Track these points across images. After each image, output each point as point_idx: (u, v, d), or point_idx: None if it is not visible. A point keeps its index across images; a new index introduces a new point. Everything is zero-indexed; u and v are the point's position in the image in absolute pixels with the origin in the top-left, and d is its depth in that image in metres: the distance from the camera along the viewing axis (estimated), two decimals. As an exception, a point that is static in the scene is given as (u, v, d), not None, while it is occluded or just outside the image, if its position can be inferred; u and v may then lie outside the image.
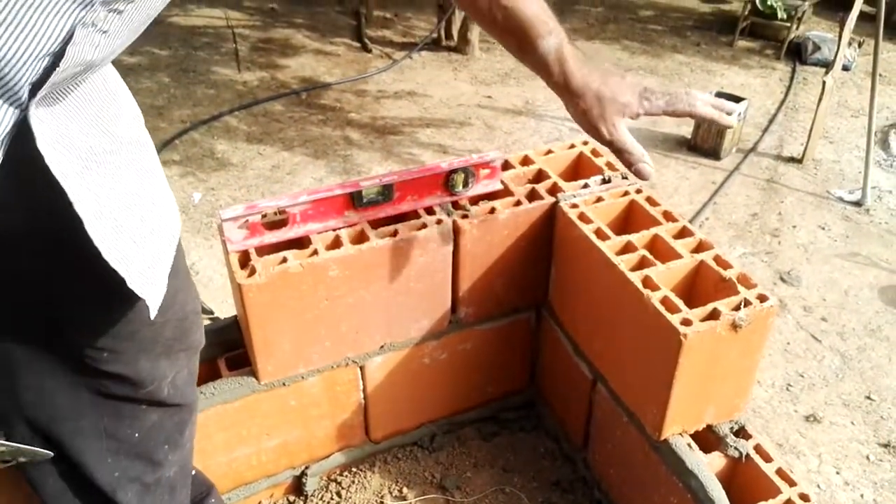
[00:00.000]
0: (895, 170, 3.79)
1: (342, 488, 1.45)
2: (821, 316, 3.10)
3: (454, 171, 1.29)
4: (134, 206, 0.75)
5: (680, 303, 1.15)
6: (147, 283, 0.74)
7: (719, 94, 3.82)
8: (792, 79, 4.32)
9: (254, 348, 1.26)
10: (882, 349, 2.89)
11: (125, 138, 0.76)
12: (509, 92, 4.04)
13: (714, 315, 1.14)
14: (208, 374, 1.34)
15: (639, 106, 1.00)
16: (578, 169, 1.48)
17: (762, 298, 1.17)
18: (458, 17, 4.17)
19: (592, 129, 1.03)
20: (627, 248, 1.26)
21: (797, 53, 4.49)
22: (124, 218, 0.72)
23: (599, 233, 1.28)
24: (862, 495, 2.38)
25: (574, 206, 1.33)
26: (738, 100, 3.77)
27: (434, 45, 4.26)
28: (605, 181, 1.40)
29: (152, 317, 0.77)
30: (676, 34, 4.67)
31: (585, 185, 1.38)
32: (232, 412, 1.31)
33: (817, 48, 4.45)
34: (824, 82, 3.52)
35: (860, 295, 3.11)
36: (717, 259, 1.24)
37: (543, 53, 1.00)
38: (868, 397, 2.71)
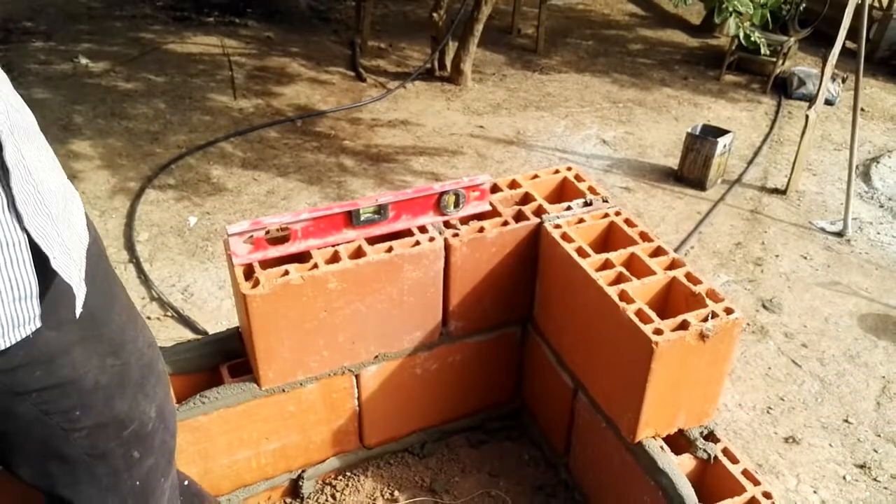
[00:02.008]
0: (876, 202, 3.97)
1: (337, 491, 1.56)
2: (801, 342, 3.24)
3: (446, 192, 1.43)
4: (50, 189, 0.84)
5: (653, 314, 1.28)
6: (69, 265, 0.83)
7: (705, 127, 4.00)
8: (777, 112, 4.52)
9: (256, 356, 1.38)
10: (860, 374, 3.03)
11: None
12: (501, 122, 4.21)
13: (684, 326, 1.27)
14: (210, 381, 1.46)
15: None
16: (563, 193, 1.62)
17: (728, 311, 1.30)
18: (452, 48, 4.35)
19: None
20: (606, 265, 1.39)
21: (783, 88, 4.70)
22: (42, 184, 0.82)
23: (580, 251, 1.41)
24: (838, 514, 2.49)
25: (557, 226, 1.47)
26: (723, 132, 3.95)
27: (428, 75, 4.44)
28: (587, 204, 1.54)
29: (78, 309, 0.86)
30: (665, 68, 4.87)
31: (569, 208, 1.52)
32: (234, 416, 1.42)
33: (802, 83, 4.65)
34: (807, 116, 3.70)
35: (840, 322, 3.25)
36: (688, 276, 1.37)
37: None
38: (846, 420, 2.84)
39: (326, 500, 1.56)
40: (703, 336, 1.27)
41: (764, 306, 3.47)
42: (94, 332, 0.97)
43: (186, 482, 1.30)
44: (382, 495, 1.57)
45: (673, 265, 1.41)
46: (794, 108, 4.61)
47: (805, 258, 3.60)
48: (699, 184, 4.08)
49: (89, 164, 3.62)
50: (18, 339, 0.82)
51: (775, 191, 4.08)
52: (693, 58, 5.02)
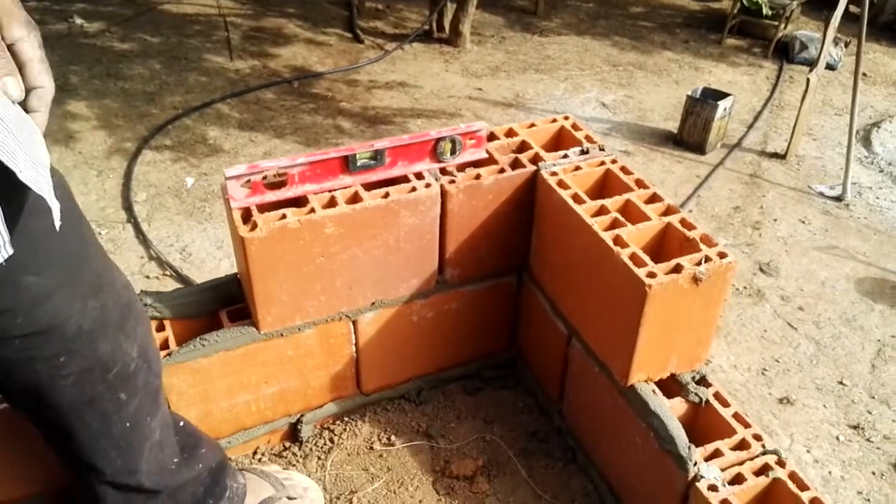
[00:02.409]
0: (875, 167, 3.99)
1: (335, 435, 1.60)
2: (798, 305, 3.27)
3: (442, 138, 1.44)
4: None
5: (647, 258, 1.30)
6: (38, 178, 0.80)
7: (706, 90, 4.00)
8: (778, 77, 4.51)
9: (254, 300, 1.41)
10: (856, 337, 3.07)
11: None
12: (499, 84, 4.21)
13: (677, 269, 1.29)
14: (210, 326, 1.48)
15: (16, 26, 0.84)
16: (560, 141, 1.64)
17: (722, 255, 1.33)
18: (450, 9, 4.33)
19: None
20: (601, 212, 1.41)
21: (784, 52, 4.69)
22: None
23: (576, 197, 1.43)
24: (830, 472, 2.55)
25: (553, 173, 1.49)
26: (723, 96, 3.95)
27: (426, 36, 4.43)
28: (584, 152, 1.55)
29: (57, 222, 0.85)
30: (666, 31, 4.85)
31: (565, 156, 1.54)
32: (233, 359, 1.45)
33: (804, 47, 4.64)
34: (808, 80, 3.70)
35: (837, 286, 3.29)
36: (682, 221, 1.40)
37: None
38: (840, 382, 2.89)
39: (325, 444, 1.60)
40: (696, 279, 1.30)
41: (761, 269, 3.50)
42: (73, 276, 0.99)
43: (182, 423, 1.33)
44: (379, 439, 1.60)
45: (668, 211, 1.43)
46: (796, 73, 4.60)
47: (803, 222, 3.62)
48: (699, 147, 4.09)
49: (86, 124, 3.63)
50: None
51: (775, 155, 4.10)
52: (695, 21, 5.01)
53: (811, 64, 4.44)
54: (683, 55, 4.63)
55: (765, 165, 3.95)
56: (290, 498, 1.40)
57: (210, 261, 3.06)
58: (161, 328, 1.46)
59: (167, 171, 3.46)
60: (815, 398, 2.83)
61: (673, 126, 4.17)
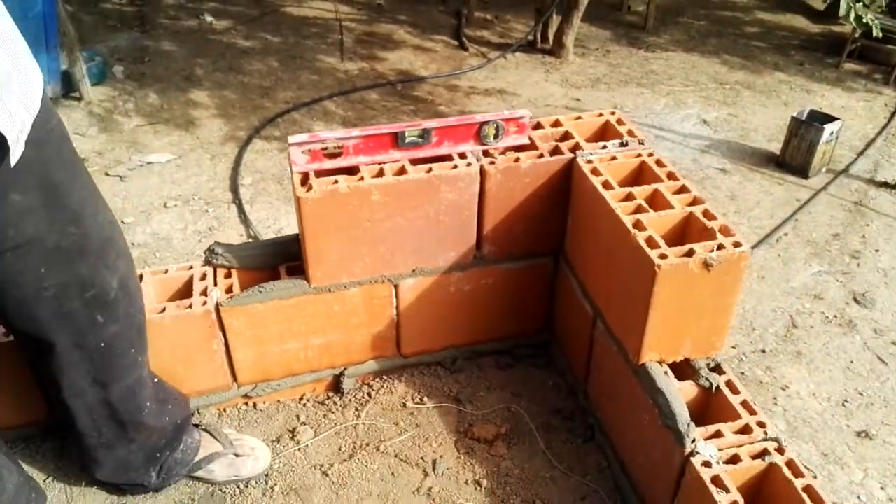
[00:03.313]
0: None
1: (373, 391, 1.78)
2: (892, 340, 3.17)
3: (486, 122, 1.60)
4: None
5: (661, 242, 1.40)
6: (6, 122, 1.02)
7: (813, 113, 3.93)
8: (899, 104, 4.35)
9: (307, 256, 1.61)
10: (953, 381, 2.93)
11: None
12: (598, 96, 4.29)
13: (690, 254, 1.39)
14: (271, 278, 1.70)
15: None
16: (603, 134, 1.76)
17: (736, 245, 1.41)
18: (556, 21, 4.47)
19: None
20: (628, 198, 1.52)
21: (908, 79, 4.52)
22: None
23: (606, 184, 1.55)
24: (905, 513, 2.48)
25: (589, 161, 1.61)
26: (831, 119, 3.87)
27: (529, 47, 4.58)
28: (623, 144, 1.67)
29: (14, 160, 1.06)
30: (780, 52, 4.78)
31: (604, 147, 1.66)
32: (286, 308, 1.66)
33: (931, 75, 4.46)
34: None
35: (938, 326, 3.15)
36: (705, 212, 1.49)
37: None
38: (929, 424, 2.77)
39: (363, 397, 1.78)
40: (707, 265, 1.38)
41: (855, 300, 3.42)
42: (55, 202, 1.21)
43: (157, 379, 1.56)
44: (412, 399, 1.77)
45: (694, 202, 1.52)
46: (919, 102, 4.42)
47: (908, 256, 3.49)
48: (801, 171, 4.02)
49: (206, 112, 4.01)
50: None
51: (884, 184, 3.97)
52: (812, 44, 4.90)
53: (937, 92, 4.25)
54: (796, 77, 4.55)
55: (872, 194, 3.83)
56: (236, 455, 1.61)
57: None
58: (228, 275, 1.69)
59: (273, 159, 3.78)
60: (899, 437, 2.74)
61: (776, 147, 4.11)
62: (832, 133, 3.86)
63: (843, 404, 2.98)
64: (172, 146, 3.72)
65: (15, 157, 1.06)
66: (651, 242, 1.40)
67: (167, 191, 3.36)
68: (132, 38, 4.45)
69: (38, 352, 1.36)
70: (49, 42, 3.28)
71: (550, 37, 4.51)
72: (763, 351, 2.81)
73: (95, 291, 1.31)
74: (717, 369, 1.51)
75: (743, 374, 2.62)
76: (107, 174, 3.33)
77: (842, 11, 3.32)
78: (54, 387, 1.40)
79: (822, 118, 3.89)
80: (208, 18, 4.74)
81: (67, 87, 3.61)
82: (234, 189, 3.63)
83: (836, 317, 3.30)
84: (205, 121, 3.92)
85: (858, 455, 2.75)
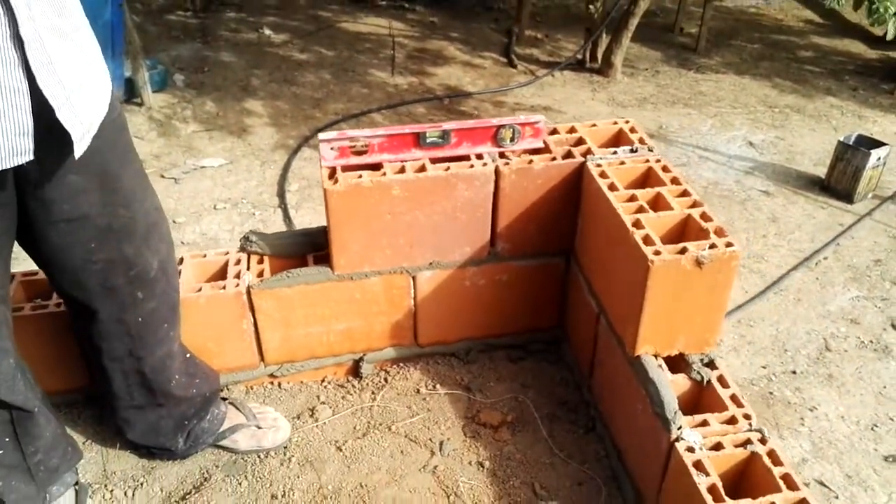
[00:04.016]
0: None
1: (389, 376, 1.93)
2: (930, 370, 3.16)
3: (503, 126, 1.75)
4: (69, 58, 1.17)
5: (657, 240, 1.53)
6: (73, 119, 1.18)
7: (860, 138, 3.96)
8: (955, 132, 4.33)
9: (332, 244, 1.78)
10: None
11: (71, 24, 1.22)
12: (644, 115, 4.40)
13: (683, 251, 1.50)
14: (300, 266, 1.87)
15: None
16: (618, 142, 1.89)
17: (728, 245, 1.52)
18: (605, 40, 4.60)
19: None
20: (631, 199, 1.65)
21: (967, 107, 4.49)
22: (60, 63, 1.15)
23: (612, 186, 1.68)
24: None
25: (599, 165, 1.74)
26: (878, 144, 3.89)
27: (578, 65, 4.72)
28: (633, 151, 1.79)
29: (77, 153, 1.22)
30: (833, 77, 4.81)
31: (614, 152, 1.79)
32: (311, 293, 1.83)
33: None
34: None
35: (976, 356, 3.14)
36: (703, 215, 1.60)
37: None
38: (963, 455, 2.78)
39: (380, 382, 1.93)
40: (699, 262, 1.50)
41: (893, 326, 3.43)
42: (109, 186, 1.39)
43: (188, 354, 1.74)
44: (426, 386, 1.91)
45: (693, 205, 1.63)
46: (978, 130, 4.39)
47: (952, 285, 3.48)
48: (846, 196, 4.04)
49: (259, 120, 4.27)
50: (17, 164, 1.16)
51: (932, 212, 3.95)
52: (868, 70, 4.91)
53: None
54: (848, 102, 4.57)
55: (920, 221, 3.82)
56: (258, 427, 1.77)
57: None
58: (261, 261, 1.87)
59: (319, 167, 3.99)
60: (930, 465, 2.75)
61: (822, 172, 4.14)
62: (879, 158, 3.88)
63: (872, 428, 2.99)
64: (225, 152, 3.96)
65: (79, 152, 1.24)
66: (647, 240, 1.53)
67: (218, 194, 3.58)
68: (194, 49, 4.76)
69: (83, 318, 1.55)
70: (115, 50, 3.57)
71: (599, 56, 4.64)
72: (794, 372, 2.86)
73: (138, 270, 1.49)
74: (711, 364, 1.61)
75: (771, 393, 2.67)
76: (162, 176, 3.59)
77: (890, 34, 3.37)
78: (95, 351, 1.59)
79: (870, 143, 3.91)
80: (267, 32, 5.03)
81: (130, 93, 3.91)
82: (281, 194, 3.84)
83: (871, 342, 3.32)
84: (257, 129, 4.17)
85: (884, 479, 2.77)
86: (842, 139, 3.89)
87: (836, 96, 4.63)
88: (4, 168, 1.15)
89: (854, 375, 3.22)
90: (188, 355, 1.73)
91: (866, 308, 3.32)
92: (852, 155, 3.84)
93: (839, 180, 3.93)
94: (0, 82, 1.08)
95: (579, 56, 4.71)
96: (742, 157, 4.18)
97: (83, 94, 1.23)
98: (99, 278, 1.46)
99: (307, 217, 3.64)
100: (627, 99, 4.52)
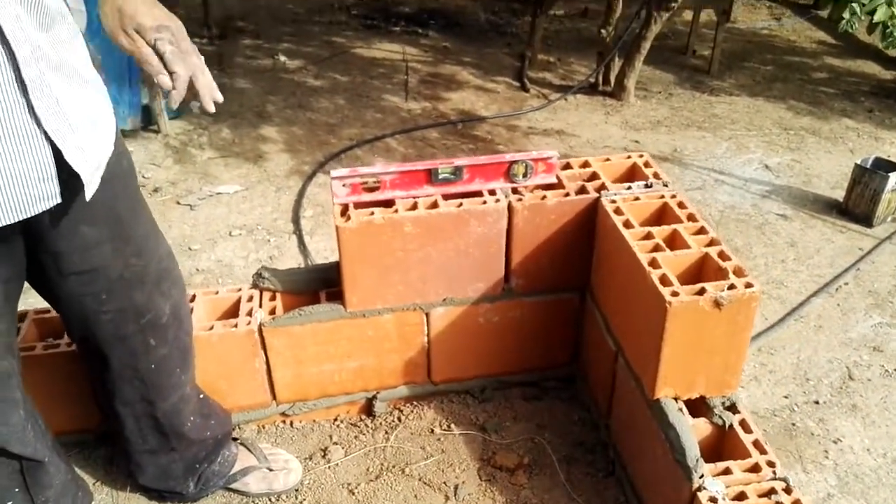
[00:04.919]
0: None
1: (403, 415, 1.88)
2: (957, 399, 3.08)
3: (515, 162, 1.71)
4: (74, 99, 1.12)
5: (675, 280, 1.47)
6: (81, 161, 1.13)
7: (878, 160, 3.89)
8: (976, 154, 4.25)
9: (344, 281, 1.74)
10: None
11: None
12: (658, 139, 4.34)
13: (701, 292, 1.45)
14: (312, 302, 1.83)
15: (150, 31, 1.18)
16: (632, 176, 1.84)
17: (748, 286, 1.46)
18: (617, 63, 4.56)
19: (112, 37, 1.20)
20: (647, 237, 1.60)
21: None
22: (65, 102, 1.10)
23: (627, 223, 1.63)
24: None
25: (613, 201, 1.69)
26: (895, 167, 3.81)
27: (591, 89, 4.68)
28: (648, 186, 1.74)
29: (88, 195, 1.16)
30: (848, 98, 4.74)
31: (629, 187, 1.74)
32: (323, 331, 1.79)
33: None
34: None
35: None
36: (720, 253, 1.55)
37: None
38: None
39: (393, 421, 1.88)
40: (717, 304, 1.44)
41: (917, 354, 3.33)
42: (121, 234, 1.35)
43: (202, 395, 1.69)
44: (440, 425, 1.86)
45: (711, 244, 1.58)
46: None
47: (974, 312, 3.39)
48: (865, 219, 3.95)
49: (274, 146, 4.25)
50: (44, 209, 1.12)
51: (954, 235, 3.86)
52: (883, 91, 4.84)
53: None
54: (864, 124, 4.50)
55: (941, 245, 3.73)
56: (269, 469, 1.72)
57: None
58: (273, 298, 1.83)
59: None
60: (956, 501, 2.66)
61: (840, 195, 4.06)
62: (898, 181, 3.80)
63: (899, 462, 2.90)
64: (241, 178, 3.95)
65: (89, 193, 1.19)
66: (664, 280, 1.47)
67: (233, 220, 3.56)
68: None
69: (94, 362, 1.51)
70: (132, 78, 3.57)
71: (612, 79, 4.60)
72: (816, 402, 2.78)
73: (150, 317, 1.45)
74: (733, 408, 1.55)
75: (794, 424, 2.60)
76: (178, 203, 3.57)
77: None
78: (107, 395, 1.56)
79: (888, 166, 3.84)
80: (282, 58, 5.03)
81: (147, 120, 3.90)
82: (296, 220, 3.80)
83: (895, 371, 3.23)
84: (273, 155, 4.15)
85: (914, 515, 2.67)
86: (859, 162, 3.82)
87: (852, 118, 4.55)
88: (28, 217, 1.10)
89: (879, 405, 3.13)
90: (202, 396, 1.69)
91: (889, 335, 3.23)
92: (870, 178, 3.77)
93: (857, 204, 3.85)
94: (9, 128, 1.04)
95: (592, 79, 4.67)
96: (758, 181, 4.11)
97: (90, 133, 1.19)
98: (109, 328, 1.42)
99: (322, 243, 3.61)
100: (641, 122, 4.47)
